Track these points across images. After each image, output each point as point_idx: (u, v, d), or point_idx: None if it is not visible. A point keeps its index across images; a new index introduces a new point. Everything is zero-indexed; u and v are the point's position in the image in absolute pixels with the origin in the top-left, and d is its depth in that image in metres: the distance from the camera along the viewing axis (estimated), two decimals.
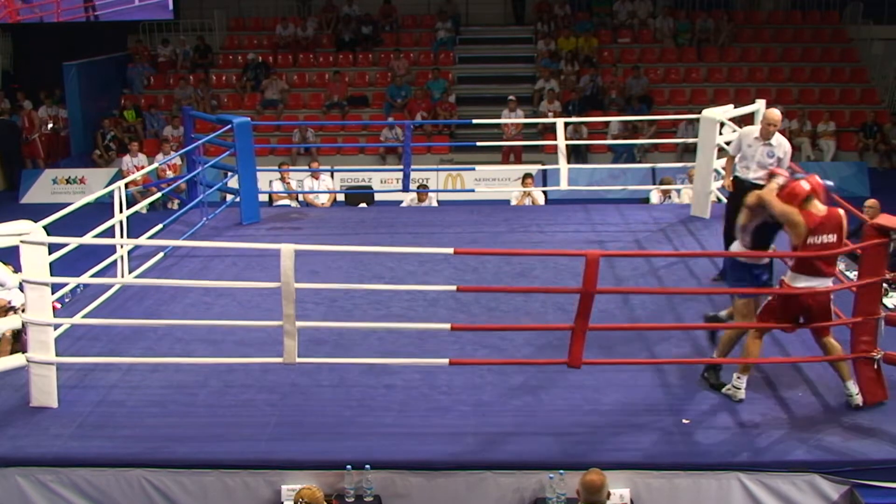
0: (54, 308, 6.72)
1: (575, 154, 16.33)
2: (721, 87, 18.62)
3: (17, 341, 7.26)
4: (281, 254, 5.70)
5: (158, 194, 11.68)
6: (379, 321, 7.34)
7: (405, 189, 11.91)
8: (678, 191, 12.15)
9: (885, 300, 7.28)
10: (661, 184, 12.52)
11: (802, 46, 19.45)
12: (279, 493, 5.46)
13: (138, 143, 17.23)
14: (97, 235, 7.50)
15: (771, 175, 6.29)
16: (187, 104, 16.06)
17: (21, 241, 5.86)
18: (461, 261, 8.64)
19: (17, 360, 6.10)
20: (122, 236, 8.27)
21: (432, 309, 7.58)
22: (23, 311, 6.19)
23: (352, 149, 17.89)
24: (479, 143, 14.79)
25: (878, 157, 17.62)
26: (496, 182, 15.87)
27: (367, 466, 5.40)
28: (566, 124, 14.11)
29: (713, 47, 19.55)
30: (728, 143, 9.01)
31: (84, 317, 7.23)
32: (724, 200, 8.89)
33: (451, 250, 6.41)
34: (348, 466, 5.40)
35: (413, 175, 12.31)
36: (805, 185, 5.93)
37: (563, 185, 11.30)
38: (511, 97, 17.45)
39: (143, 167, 15.37)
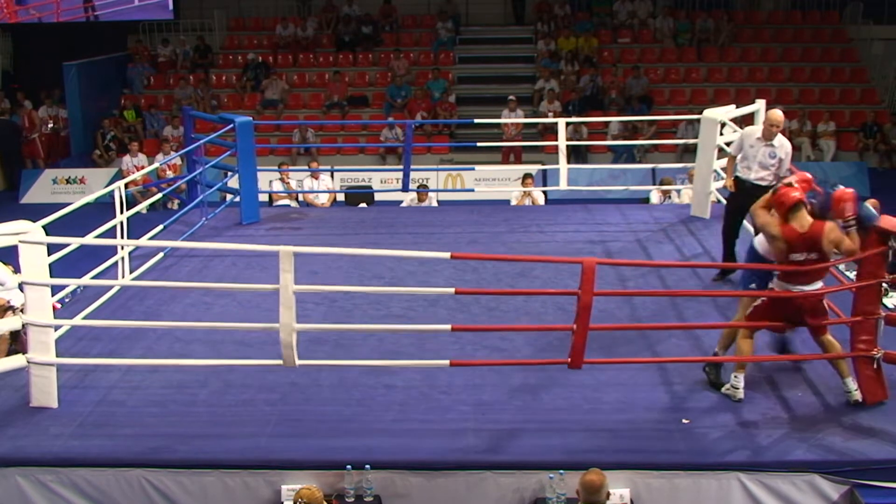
0: (54, 308, 6.72)
1: (575, 154, 16.33)
2: (721, 87, 18.62)
3: (15, 341, 7.25)
4: (279, 256, 5.68)
5: (159, 195, 11.69)
6: (379, 321, 7.34)
7: (405, 189, 11.91)
8: (678, 191, 12.15)
9: (885, 300, 7.28)
10: (662, 184, 12.52)
11: (802, 46, 19.44)
12: (279, 493, 5.46)
13: (138, 143, 17.22)
14: (98, 236, 7.50)
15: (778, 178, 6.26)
16: (187, 104, 16.06)
17: (20, 242, 5.85)
18: (461, 261, 8.63)
19: (17, 360, 6.10)
20: (122, 237, 8.27)
21: (432, 309, 7.58)
22: (22, 311, 6.18)
23: (352, 149, 17.90)
24: (479, 144, 14.81)
25: (878, 157, 17.62)
26: (496, 182, 15.86)
27: (367, 466, 5.40)
28: (566, 124, 14.10)
29: (713, 47, 19.54)
30: (728, 144, 9.02)
31: (84, 317, 7.23)
32: (724, 201, 8.88)
33: (447, 254, 6.40)
34: (348, 466, 5.40)
35: (413, 175, 12.31)
36: (794, 195, 5.89)
37: (563, 185, 11.30)
38: (511, 97, 17.45)
39: (143, 167, 15.37)
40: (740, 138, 8.02)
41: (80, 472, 5.51)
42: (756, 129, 7.97)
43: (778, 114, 7.71)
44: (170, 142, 16.74)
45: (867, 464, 5.41)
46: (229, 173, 11.08)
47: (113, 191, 8.22)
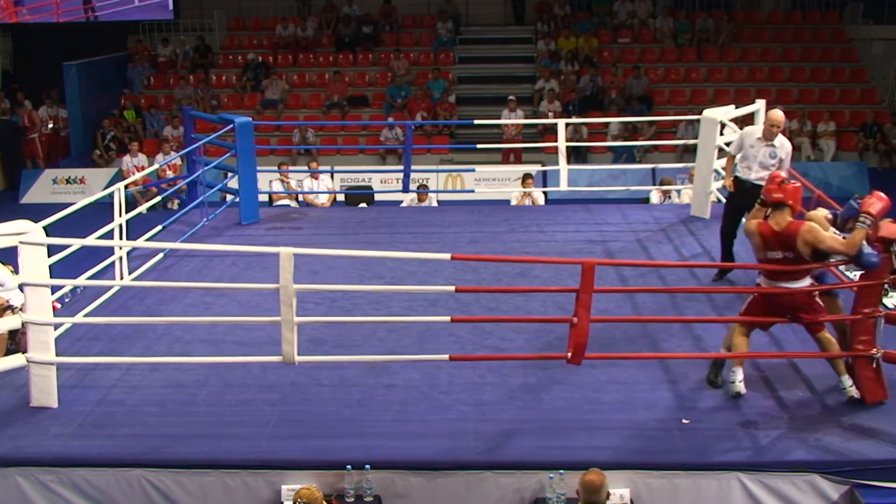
0: (54, 308, 6.72)
1: (575, 154, 16.33)
2: (721, 87, 18.62)
3: (13, 340, 7.25)
4: (280, 258, 5.69)
5: (159, 197, 11.68)
6: None
7: (405, 189, 11.91)
8: (678, 191, 12.15)
9: (885, 300, 7.28)
10: (662, 184, 12.52)
11: (802, 46, 19.44)
12: (279, 493, 5.46)
13: (138, 143, 17.21)
14: (98, 237, 7.50)
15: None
16: (187, 104, 16.05)
17: (20, 242, 5.86)
18: (461, 261, 8.62)
19: (17, 360, 6.10)
20: (122, 237, 8.27)
21: (432, 309, 7.58)
22: (21, 310, 6.18)
23: (352, 149, 17.90)
24: (478, 146, 14.81)
25: (878, 157, 17.61)
26: (496, 182, 15.87)
27: (367, 466, 5.40)
28: (566, 125, 14.10)
29: (713, 47, 19.54)
30: (728, 144, 9.02)
31: (84, 317, 7.23)
32: (724, 200, 8.87)
33: (448, 256, 6.40)
34: (348, 466, 5.40)
35: (413, 175, 12.31)
36: (777, 195, 5.96)
37: (563, 185, 11.30)
38: (511, 97, 17.45)
39: (143, 167, 15.38)
40: (740, 138, 8.02)
41: (80, 472, 5.51)
42: (756, 129, 7.97)
43: (779, 114, 7.71)
44: (170, 142, 16.73)
45: (867, 464, 5.41)
46: (229, 174, 11.08)
47: (113, 191, 8.22)
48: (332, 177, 14.06)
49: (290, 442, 5.68)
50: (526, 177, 12.45)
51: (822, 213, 6.40)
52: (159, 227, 9.25)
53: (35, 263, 5.90)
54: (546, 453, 5.53)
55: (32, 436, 5.73)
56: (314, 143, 17.79)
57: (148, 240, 8.91)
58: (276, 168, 13.33)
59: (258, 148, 11.85)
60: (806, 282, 6.00)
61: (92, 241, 7.14)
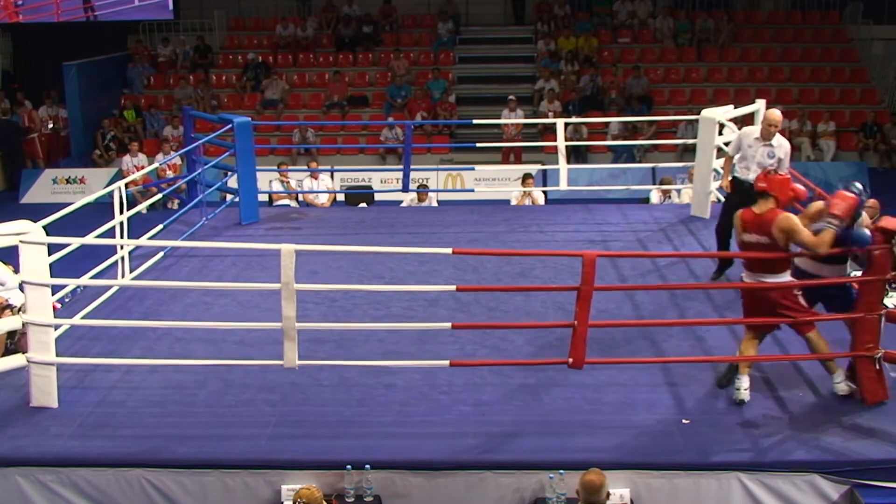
0: (54, 308, 6.72)
1: (575, 154, 16.33)
2: (721, 87, 18.62)
3: (12, 340, 7.25)
4: (281, 254, 5.70)
5: (159, 196, 11.68)
6: (379, 321, 7.34)
7: (405, 189, 11.91)
8: (678, 191, 12.15)
9: (885, 300, 7.27)
10: (661, 184, 12.52)
11: (802, 46, 19.44)
12: (279, 493, 5.46)
13: (138, 143, 17.21)
14: (98, 236, 7.50)
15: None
16: (187, 104, 16.05)
17: (20, 242, 5.86)
18: (461, 260, 8.64)
19: (17, 360, 6.10)
20: (122, 237, 8.27)
21: (432, 309, 7.58)
22: (21, 311, 6.18)
23: (352, 149, 17.89)
24: (478, 145, 14.80)
25: (878, 157, 17.61)
26: (496, 182, 15.86)
27: (367, 466, 5.40)
28: (566, 124, 14.11)
29: (713, 47, 19.54)
30: (727, 144, 9.02)
31: (84, 317, 7.23)
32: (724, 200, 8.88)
33: (449, 250, 6.41)
34: (348, 466, 5.40)
35: (413, 175, 12.30)
36: (761, 184, 6.05)
37: (563, 185, 11.30)
38: (511, 97, 17.45)
39: (143, 167, 15.37)
40: (738, 138, 8.01)
41: (80, 472, 5.51)
42: (754, 129, 7.96)
43: (776, 113, 7.71)
44: (170, 142, 16.73)
45: (867, 464, 5.41)
46: (229, 173, 11.08)
47: (113, 191, 8.22)
48: (331, 177, 14.05)
49: (290, 442, 5.68)
50: (526, 176, 12.44)
51: (821, 205, 6.36)
52: (159, 227, 9.24)
53: (35, 263, 5.90)
54: (546, 453, 5.53)
55: (32, 436, 5.73)
56: (314, 142, 17.79)
57: (148, 239, 8.90)
58: (275, 168, 13.32)
59: (258, 147, 11.84)
60: (786, 276, 6.02)
61: (92, 239, 7.14)
